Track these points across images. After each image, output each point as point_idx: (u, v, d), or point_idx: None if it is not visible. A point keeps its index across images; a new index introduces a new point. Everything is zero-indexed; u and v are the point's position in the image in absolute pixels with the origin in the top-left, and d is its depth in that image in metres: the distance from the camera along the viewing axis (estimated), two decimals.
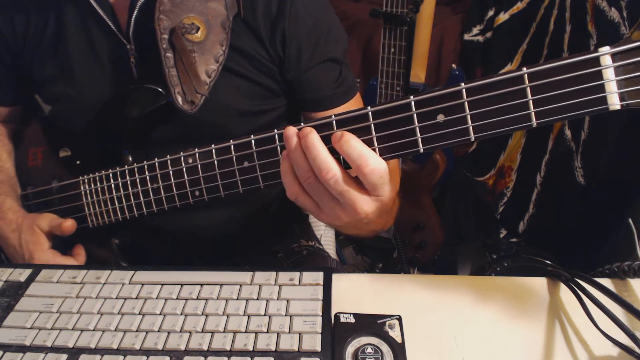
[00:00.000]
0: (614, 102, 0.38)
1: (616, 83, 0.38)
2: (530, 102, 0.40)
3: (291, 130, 0.47)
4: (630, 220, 0.93)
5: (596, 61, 0.38)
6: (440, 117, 0.43)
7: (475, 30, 1.37)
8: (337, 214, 0.48)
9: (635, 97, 0.38)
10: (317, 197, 0.48)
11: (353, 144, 0.44)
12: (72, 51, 0.65)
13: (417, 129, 0.44)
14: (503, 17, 1.30)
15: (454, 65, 1.38)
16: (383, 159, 0.45)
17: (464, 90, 0.42)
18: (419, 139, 0.44)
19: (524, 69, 0.40)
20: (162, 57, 0.59)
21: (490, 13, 1.34)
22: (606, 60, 0.38)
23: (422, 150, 0.44)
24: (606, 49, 0.38)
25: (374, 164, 0.44)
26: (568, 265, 0.55)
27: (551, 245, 1.28)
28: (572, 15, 1.15)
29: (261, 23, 0.64)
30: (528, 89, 0.40)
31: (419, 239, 1.47)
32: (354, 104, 0.73)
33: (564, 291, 0.54)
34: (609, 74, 0.38)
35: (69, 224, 0.65)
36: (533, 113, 0.40)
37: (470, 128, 0.42)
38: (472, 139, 0.43)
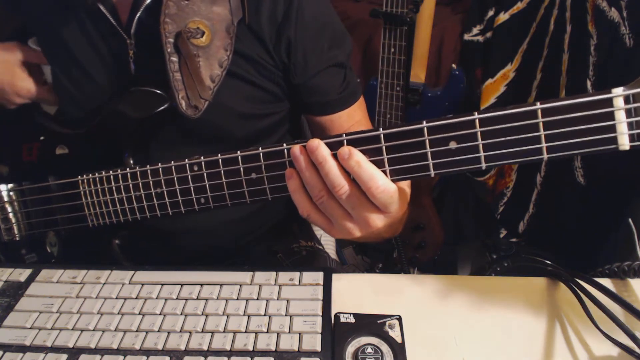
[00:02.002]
0: (624, 143, 0.39)
1: (627, 124, 0.39)
2: (542, 136, 0.41)
3: (297, 150, 0.46)
4: (630, 220, 0.93)
5: (609, 102, 0.39)
6: (453, 144, 0.43)
7: (475, 30, 1.37)
8: (349, 229, 0.48)
9: None
10: (330, 214, 0.48)
11: (364, 166, 0.44)
12: (71, 44, 0.66)
13: (429, 153, 0.44)
14: (503, 17, 1.30)
15: (454, 65, 1.38)
16: (393, 180, 0.46)
17: (477, 120, 0.42)
18: (431, 164, 0.44)
19: (538, 104, 0.40)
20: (167, 61, 0.59)
21: (490, 13, 1.33)
22: (619, 102, 0.39)
23: (432, 175, 0.45)
24: (619, 90, 0.39)
25: (383, 185, 0.44)
26: (568, 265, 0.55)
27: (551, 245, 1.28)
28: (572, 15, 1.15)
29: (266, 29, 0.63)
30: (541, 123, 0.41)
31: (419, 239, 1.47)
32: (359, 106, 0.73)
33: (564, 291, 0.54)
34: (621, 116, 0.39)
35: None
36: (544, 147, 0.41)
37: (482, 157, 0.43)
38: (484, 168, 0.43)
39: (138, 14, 0.62)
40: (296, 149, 0.47)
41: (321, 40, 0.66)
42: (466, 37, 1.39)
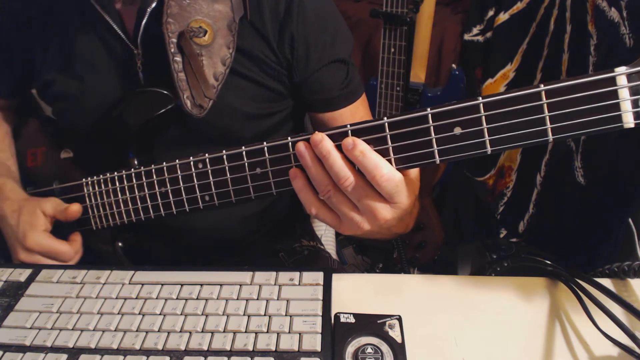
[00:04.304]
0: (629, 121, 0.39)
1: (631, 102, 0.39)
2: (547, 118, 0.41)
3: (302, 146, 0.46)
4: (630, 220, 0.93)
5: (612, 81, 0.39)
6: (457, 130, 0.43)
7: (475, 30, 1.37)
8: (358, 224, 0.48)
9: None
10: (337, 208, 0.48)
11: (368, 155, 0.44)
12: (76, 54, 0.65)
13: (434, 140, 0.44)
14: (503, 17, 1.30)
15: (454, 65, 1.38)
16: (398, 169, 0.46)
17: (481, 104, 0.42)
18: (436, 151, 0.44)
19: (542, 85, 0.40)
20: (171, 62, 0.59)
21: (490, 13, 1.33)
22: (622, 80, 0.39)
23: (438, 162, 0.45)
24: (622, 69, 0.39)
25: (388, 173, 0.44)
26: (568, 265, 0.55)
27: (551, 245, 1.28)
28: (572, 15, 1.15)
29: (268, 25, 0.63)
30: (545, 105, 0.40)
31: (419, 239, 1.47)
32: (361, 103, 0.73)
33: (564, 291, 0.54)
34: (624, 94, 0.39)
35: (75, 209, 0.63)
36: (549, 129, 0.41)
37: (487, 141, 0.43)
38: (489, 152, 0.43)
39: (144, 21, 0.62)
40: (301, 145, 0.46)
41: (323, 35, 0.66)
42: (466, 37, 1.39)
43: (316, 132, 0.46)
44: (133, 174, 0.60)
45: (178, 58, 0.59)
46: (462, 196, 1.57)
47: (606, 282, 0.55)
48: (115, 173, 0.61)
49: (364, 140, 0.45)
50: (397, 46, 1.28)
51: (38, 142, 0.74)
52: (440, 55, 1.45)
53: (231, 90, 0.63)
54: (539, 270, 0.57)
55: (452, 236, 1.54)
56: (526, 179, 1.34)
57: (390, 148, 0.45)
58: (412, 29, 1.29)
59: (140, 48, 0.63)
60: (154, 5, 0.61)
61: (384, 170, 0.44)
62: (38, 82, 0.68)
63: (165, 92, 0.61)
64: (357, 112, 0.72)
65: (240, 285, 0.53)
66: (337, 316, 0.49)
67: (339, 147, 0.46)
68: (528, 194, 1.34)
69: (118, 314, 0.51)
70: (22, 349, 0.48)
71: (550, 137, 0.41)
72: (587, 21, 1.08)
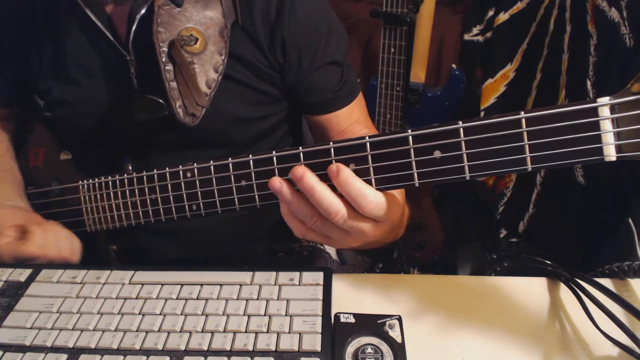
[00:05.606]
0: (610, 154, 0.38)
1: (613, 134, 0.38)
2: (526, 146, 0.40)
3: (277, 183, 0.45)
4: (630, 220, 0.93)
5: (594, 111, 0.38)
6: (437, 154, 0.43)
7: (475, 30, 1.37)
8: (347, 242, 0.48)
9: (632, 149, 0.38)
10: (326, 233, 0.48)
11: (352, 183, 0.44)
12: (71, 61, 0.65)
13: (414, 163, 0.44)
14: (503, 17, 1.30)
15: (454, 65, 1.38)
16: (378, 189, 0.45)
17: (461, 129, 0.41)
18: (415, 173, 0.44)
19: (522, 113, 0.39)
20: (162, 71, 0.59)
21: (490, 13, 1.34)
22: (604, 111, 0.38)
23: (417, 185, 0.44)
24: (605, 99, 0.37)
25: (374, 200, 0.44)
26: (568, 265, 0.55)
27: (551, 245, 1.28)
28: (572, 15, 1.15)
29: (260, 30, 0.63)
30: (525, 133, 0.40)
31: (419, 239, 1.47)
32: (357, 104, 0.73)
33: (564, 291, 0.54)
34: (607, 125, 0.38)
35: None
36: (528, 157, 0.40)
37: (466, 167, 0.42)
38: (467, 178, 0.42)
39: (134, 27, 0.61)
40: (275, 182, 0.45)
41: (316, 37, 0.66)
42: (466, 37, 1.39)
43: (296, 166, 0.45)
44: (125, 180, 0.60)
45: (169, 67, 0.59)
46: (462, 196, 1.57)
47: (606, 282, 0.55)
48: (110, 177, 0.62)
49: (346, 159, 0.45)
50: (397, 46, 1.28)
51: (40, 142, 0.74)
52: (440, 55, 1.44)
53: (224, 95, 0.63)
54: (539, 270, 0.57)
55: (452, 236, 1.54)
56: (526, 179, 1.34)
57: (371, 168, 0.45)
58: (412, 29, 1.28)
59: (132, 54, 0.63)
60: (143, 11, 0.61)
61: (370, 197, 0.44)
62: (35, 90, 0.68)
63: (158, 99, 0.61)
64: (353, 113, 0.72)
65: (240, 285, 0.53)
66: (337, 316, 0.49)
67: (325, 165, 0.45)
68: (528, 194, 1.34)
69: (118, 314, 0.51)
70: (22, 349, 0.48)
71: (529, 167, 0.40)
72: (587, 21, 1.08)
